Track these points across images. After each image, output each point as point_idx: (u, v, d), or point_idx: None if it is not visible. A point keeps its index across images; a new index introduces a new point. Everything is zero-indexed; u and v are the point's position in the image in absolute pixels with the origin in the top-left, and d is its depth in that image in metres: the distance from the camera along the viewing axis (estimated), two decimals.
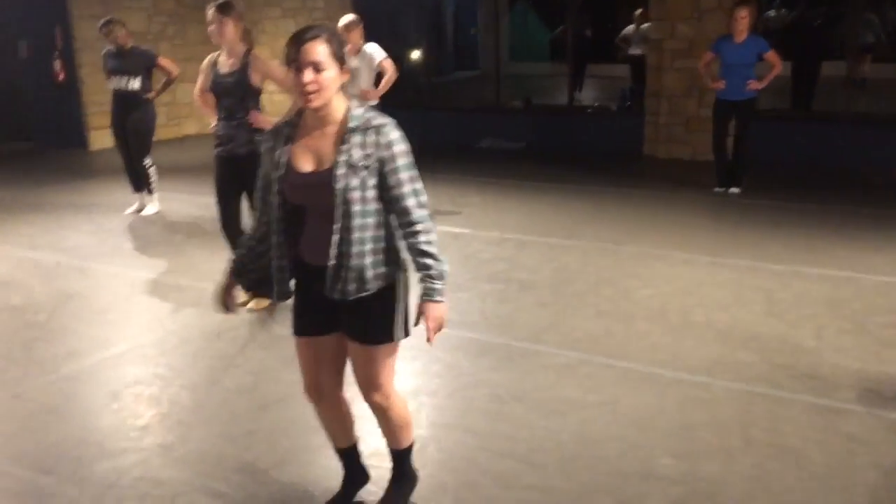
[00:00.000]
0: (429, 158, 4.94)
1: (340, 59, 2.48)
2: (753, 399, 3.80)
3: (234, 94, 4.86)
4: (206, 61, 5.04)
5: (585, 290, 5.35)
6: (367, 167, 2.47)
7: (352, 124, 2.50)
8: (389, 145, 2.48)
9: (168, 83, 7.64)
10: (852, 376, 4.01)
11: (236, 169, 4.94)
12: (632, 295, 5.24)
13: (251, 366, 4.34)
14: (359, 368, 2.74)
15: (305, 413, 3.32)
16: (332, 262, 2.52)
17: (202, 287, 5.48)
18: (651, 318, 4.85)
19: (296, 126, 2.60)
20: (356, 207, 2.48)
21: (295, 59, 2.43)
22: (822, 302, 5.03)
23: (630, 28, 13.00)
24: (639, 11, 13.43)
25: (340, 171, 2.46)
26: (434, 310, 2.55)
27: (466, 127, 11.56)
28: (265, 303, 5.08)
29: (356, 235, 2.50)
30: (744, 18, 7.54)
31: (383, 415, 2.81)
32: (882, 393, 3.83)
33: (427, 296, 2.55)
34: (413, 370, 4.17)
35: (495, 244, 6.51)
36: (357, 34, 6.86)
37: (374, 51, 6.95)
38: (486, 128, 11.53)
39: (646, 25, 13.06)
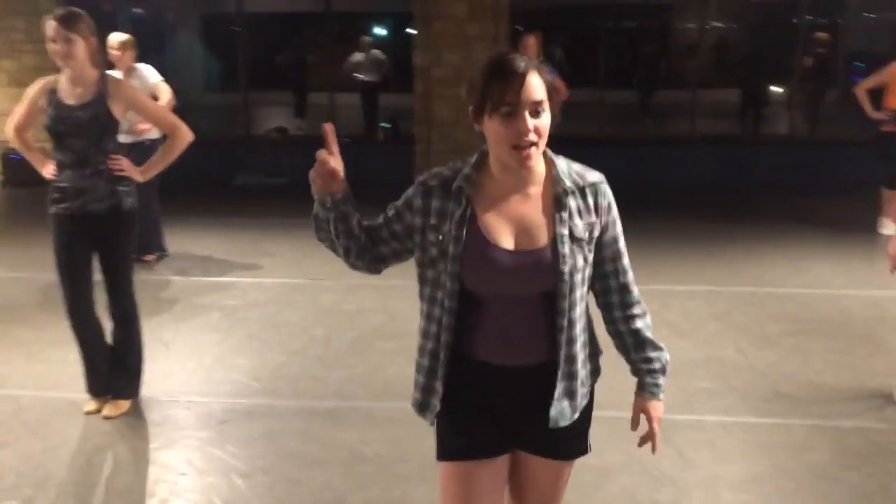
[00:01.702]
0: (193, 198, 4.25)
1: (551, 95, 1.86)
2: (754, 427, 3.76)
3: (89, 134, 3.71)
4: (34, 89, 3.79)
5: None
6: (590, 240, 1.91)
7: (566, 183, 1.90)
8: (609, 208, 1.95)
9: None
10: (800, 386, 4.17)
11: (91, 232, 3.79)
12: None
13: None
14: (538, 491, 2.11)
15: None
16: (561, 368, 1.92)
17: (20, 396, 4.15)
18: None
19: (475, 182, 1.91)
20: (579, 292, 1.91)
21: (506, 100, 1.78)
22: (715, 318, 5.21)
23: (358, 55, 12.85)
24: (366, 38, 13.37)
25: (565, 248, 1.86)
26: (659, 409, 2.06)
27: (216, 161, 10.46)
28: (125, 406, 3.97)
29: (578, 328, 1.94)
30: (532, 46, 7.72)
31: None
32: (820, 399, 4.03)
33: (651, 393, 2.05)
34: None
35: (348, 292, 5.86)
36: (130, 54, 6.13)
37: (149, 72, 6.21)
38: (238, 162, 10.57)
39: (375, 51, 13.07)
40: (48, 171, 3.83)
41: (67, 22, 3.60)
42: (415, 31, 10.01)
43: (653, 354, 2.03)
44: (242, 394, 4.23)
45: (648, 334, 2.03)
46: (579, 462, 2.10)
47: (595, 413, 2.08)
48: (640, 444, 2.08)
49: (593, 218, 1.91)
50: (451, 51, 9.77)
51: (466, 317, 1.93)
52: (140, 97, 3.85)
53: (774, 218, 8.09)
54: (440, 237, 1.90)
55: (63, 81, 3.73)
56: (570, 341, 1.92)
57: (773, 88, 13.18)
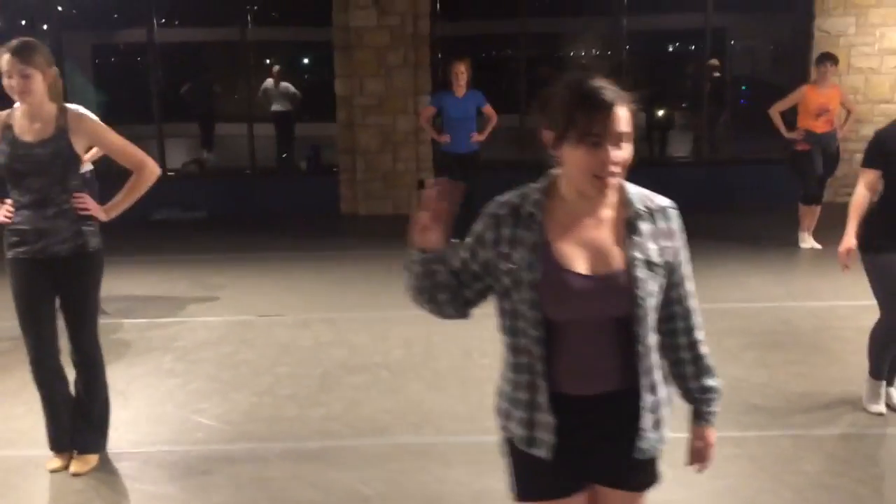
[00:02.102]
0: (113, 235, 4.14)
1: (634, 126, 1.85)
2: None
3: (51, 172, 3.46)
4: None
5: (462, 364, 4.94)
6: (663, 265, 1.89)
7: (638, 207, 1.89)
8: (676, 233, 1.94)
9: None
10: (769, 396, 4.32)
11: (53, 276, 3.53)
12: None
13: None
14: None
15: None
16: (644, 398, 1.90)
17: None
18: None
19: (544, 207, 1.88)
20: (653, 317, 1.90)
21: (593, 131, 1.75)
22: None
23: (269, 82, 12.63)
24: (276, 68, 13.15)
25: (639, 272, 1.84)
26: (714, 435, 2.09)
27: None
28: (93, 461, 3.70)
29: (655, 356, 1.93)
30: (463, 73, 7.79)
31: None
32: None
33: (707, 421, 2.06)
34: None
35: (301, 327, 5.68)
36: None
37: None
38: (153, 196, 10.13)
39: (285, 84, 12.87)
40: (3, 212, 3.54)
41: (23, 54, 3.35)
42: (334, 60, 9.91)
43: (712, 383, 2.03)
44: (218, 440, 4.01)
45: (708, 362, 2.03)
46: None
47: None
48: (693, 464, 2.11)
49: (664, 242, 1.90)
50: (373, 79, 9.73)
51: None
52: (104, 131, 3.62)
53: (697, 236, 8.34)
54: (511, 266, 1.85)
55: (18, 117, 3.46)
56: (649, 369, 1.91)
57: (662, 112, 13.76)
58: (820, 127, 7.33)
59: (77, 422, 3.72)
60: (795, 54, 10.37)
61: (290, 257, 7.82)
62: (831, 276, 5.98)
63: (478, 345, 5.13)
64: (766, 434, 3.94)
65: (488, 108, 7.96)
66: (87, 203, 3.56)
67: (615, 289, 1.83)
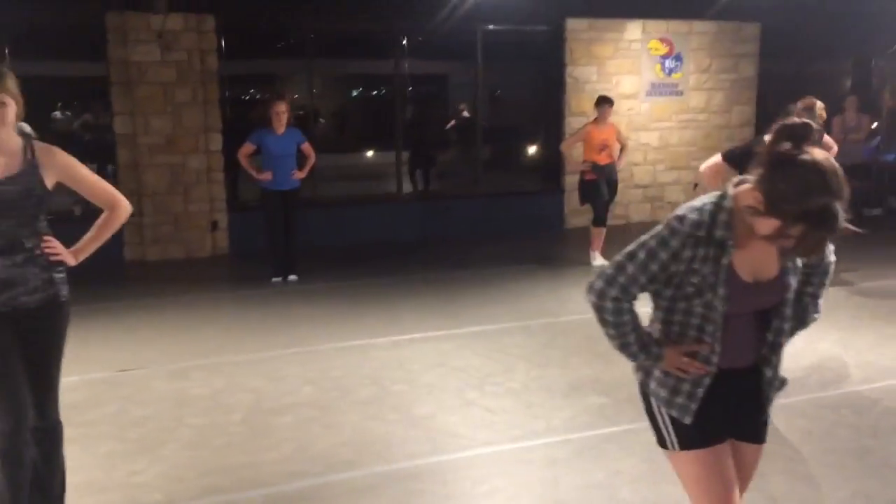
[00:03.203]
0: None
1: None
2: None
3: (21, 212, 3.06)
4: None
5: (381, 392, 5.01)
6: (801, 268, 2.38)
7: None
8: None
9: None
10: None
11: (19, 331, 3.11)
12: (418, 384, 5.16)
13: None
14: (745, 471, 2.50)
15: None
16: (775, 369, 2.40)
17: None
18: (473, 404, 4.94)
19: (734, 228, 2.21)
20: (790, 309, 2.37)
21: (807, 238, 2.07)
22: (547, 347, 5.86)
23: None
24: None
25: (789, 278, 2.30)
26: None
27: None
28: None
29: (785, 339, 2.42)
30: (284, 112, 7.81)
31: None
32: None
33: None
34: None
35: (177, 377, 5.33)
36: None
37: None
38: None
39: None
40: None
41: None
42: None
43: None
44: (182, 497, 3.72)
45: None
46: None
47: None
48: None
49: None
50: (159, 116, 9.24)
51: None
52: (77, 166, 3.26)
53: (497, 261, 9.13)
54: (700, 279, 2.21)
55: None
56: (780, 347, 2.38)
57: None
58: (603, 159, 8.45)
59: (34, 499, 3.26)
60: (549, 98, 11.70)
61: (81, 311, 7.10)
62: None
63: (376, 373, 5.28)
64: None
65: (307, 146, 8.04)
66: (56, 247, 3.19)
67: (771, 291, 2.28)
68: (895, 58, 13.08)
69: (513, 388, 5.06)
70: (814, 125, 2.10)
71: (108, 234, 3.36)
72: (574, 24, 11.01)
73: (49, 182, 3.15)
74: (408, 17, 10.53)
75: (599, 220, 8.62)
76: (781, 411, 3.95)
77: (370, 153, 18.01)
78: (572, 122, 10.95)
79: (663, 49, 11.45)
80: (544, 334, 6.23)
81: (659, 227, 2.27)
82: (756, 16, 11.59)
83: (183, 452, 4.20)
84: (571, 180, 11.02)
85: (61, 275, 3.21)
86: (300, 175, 7.99)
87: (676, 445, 2.37)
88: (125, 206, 3.38)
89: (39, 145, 3.18)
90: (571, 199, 11.02)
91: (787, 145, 2.05)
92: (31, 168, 3.10)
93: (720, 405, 2.34)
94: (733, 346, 2.30)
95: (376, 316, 6.79)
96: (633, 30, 11.30)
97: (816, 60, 13.19)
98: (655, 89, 11.49)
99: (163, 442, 4.32)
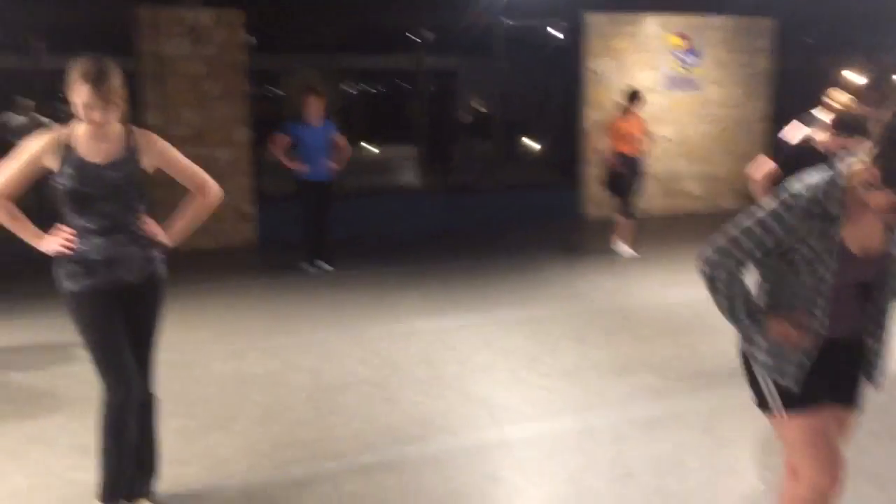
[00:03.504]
0: None
1: None
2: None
3: (122, 196, 3.19)
4: (43, 143, 3.14)
5: (436, 371, 5.17)
6: None
7: None
8: None
9: None
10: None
11: (125, 308, 3.26)
12: (468, 366, 5.33)
13: None
14: (844, 433, 2.65)
15: None
16: (884, 339, 2.54)
17: None
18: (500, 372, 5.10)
19: (846, 205, 2.35)
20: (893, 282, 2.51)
21: None
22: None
23: (19, 118, 11.42)
24: (26, 101, 11.92)
25: (894, 251, 2.44)
26: None
27: None
28: None
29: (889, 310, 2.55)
30: (319, 104, 7.95)
31: None
32: None
33: None
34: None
35: (238, 358, 5.49)
36: None
37: None
38: None
39: (35, 114, 11.68)
40: (61, 241, 3.17)
41: (103, 84, 3.06)
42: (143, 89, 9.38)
43: None
44: (259, 469, 3.87)
45: None
46: None
47: None
48: None
49: None
50: (189, 109, 9.39)
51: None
52: (173, 151, 3.39)
53: (523, 250, 9.29)
54: (813, 252, 2.35)
55: (80, 136, 3.17)
56: (883, 316, 2.51)
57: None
58: (632, 151, 8.62)
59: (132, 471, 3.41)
60: (568, 92, 11.86)
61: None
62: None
63: (427, 355, 5.45)
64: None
65: (341, 138, 8.17)
66: (155, 228, 3.33)
67: (878, 264, 2.41)
68: None
69: (564, 368, 5.22)
70: None
71: (200, 218, 3.47)
72: (593, 19, 11.16)
73: (148, 166, 3.29)
74: (427, 12, 10.67)
75: (628, 212, 8.77)
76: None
77: (374, 149, 18.05)
78: (591, 115, 11.13)
79: (681, 43, 11.61)
80: (583, 318, 6.39)
81: (773, 204, 2.40)
82: (773, 12, 11.74)
83: (255, 428, 4.35)
84: (590, 172, 11.25)
85: (159, 255, 3.36)
86: (336, 166, 8.13)
87: (783, 411, 2.50)
88: (217, 191, 3.50)
89: (140, 132, 3.30)
90: (590, 190, 11.25)
91: None
92: (131, 154, 3.23)
93: (825, 374, 2.46)
94: (838, 317, 2.42)
95: (416, 302, 6.95)
96: (651, 24, 11.46)
97: (833, 56, 13.36)
98: (673, 83, 11.65)
99: (233, 418, 4.47)
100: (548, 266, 8.41)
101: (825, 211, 2.34)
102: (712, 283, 2.47)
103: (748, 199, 10.19)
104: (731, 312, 2.48)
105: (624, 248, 8.81)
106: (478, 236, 10.23)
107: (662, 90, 11.58)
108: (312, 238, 8.26)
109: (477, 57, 13.18)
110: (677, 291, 7.05)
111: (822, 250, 2.35)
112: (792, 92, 12.61)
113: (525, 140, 15.59)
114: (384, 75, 18.65)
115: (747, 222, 2.44)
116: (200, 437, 4.22)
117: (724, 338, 5.68)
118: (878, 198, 2.25)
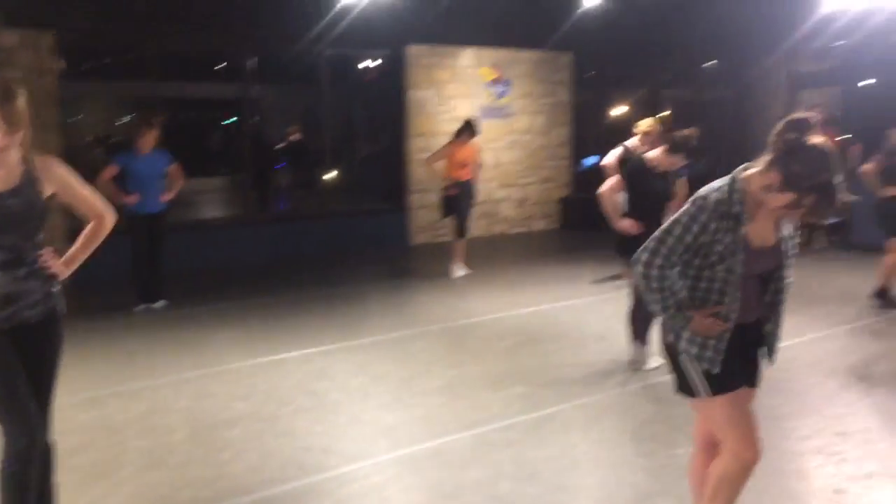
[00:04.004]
0: None
1: None
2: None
3: (24, 225, 2.96)
4: None
5: (316, 402, 5.11)
6: (790, 240, 2.89)
7: None
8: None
9: None
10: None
11: (24, 348, 3.01)
12: (337, 395, 5.33)
13: None
14: None
15: None
16: (779, 324, 2.93)
17: None
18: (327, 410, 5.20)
19: (745, 204, 2.70)
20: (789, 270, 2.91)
21: (815, 211, 2.63)
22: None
23: None
24: None
25: (787, 245, 2.84)
26: None
27: None
28: None
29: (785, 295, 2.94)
30: (152, 133, 7.62)
31: None
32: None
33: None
34: None
35: (99, 405, 5.11)
36: None
37: None
38: None
39: None
40: None
41: (7, 104, 2.86)
42: None
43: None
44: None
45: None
46: None
47: None
48: None
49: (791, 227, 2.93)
50: None
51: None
52: (73, 178, 3.17)
53: (361, 276, 9.37)
54: (723, 247, 2.70)
55: None
56: (778, 305, 2.91)
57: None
58: (464, 176, 9.00)
59: None
60: (389, 120, 12.12)
61: None
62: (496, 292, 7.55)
63: (304, 384, 5.39)
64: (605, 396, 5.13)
65: (175, 168, 7.86)
66: (50, 260, 3.10)
67: (775, 255, 2.81)
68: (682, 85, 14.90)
69: (440, 386, 5.37)
70: (811, 119, 2.65)
71: (94, 245, 3.30)
72: (415, 50, 11.54)
73: (46, 193, 3.07)
74: (252, 40, 10.53)
75: (462, 232, 9.13)
76: None
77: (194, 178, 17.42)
78: (416, 143, 11.47)
79: (494, 75, 12.29)
80: (445, 338, 6.59)
81: (687, 207, 2.74)
82: (573, 47, 12.73)
83: (143, 473, 4.10)
84: (416, 199, 11.58)
85: (57, 288, 3.13)
86: (169, 196, 7.80)
87: (710, 392, 2.81)
88: (112, 218, 3.34)
89: (39, 159, 3.09)
90: (417, 216, 11.58)
91: (793, 135, 2.59)
92: (31, 181, 3.01)
93: (737, 355, 2.82)
94: (745, 305, 2.80)
95: (271, 333, 6.81)
96: (468, 56, 12.04)
97: (624, 88, 14.70)
98: (487, 112, 12.28)
99: (115, 466, 4.18)
100: (392, 291, 8.55)
101: (730, 210, 2.69)
102: (647, 281, 2.75)
103: (555, 221, 10.75)
104: (663, 307, 2.77)
105: (458, 267, 9.15)
106: (309, 265, 10.15)
107: (478, 118, 12.16)
108: (144, 274, 7.81)
109: (301, 84, 13.17)
110: (521, 305, 7.47)
111: (731, 244, 2.69)
112: (585, 120, 13.84)
113: (346, 167, 15.69)
114: (206, 104, 18.04)
115: (668, 224, 2.77)
116: (84, 491, 3.91)
117: (569, 344, 6.22)
118: (778, 199, 2.63)
